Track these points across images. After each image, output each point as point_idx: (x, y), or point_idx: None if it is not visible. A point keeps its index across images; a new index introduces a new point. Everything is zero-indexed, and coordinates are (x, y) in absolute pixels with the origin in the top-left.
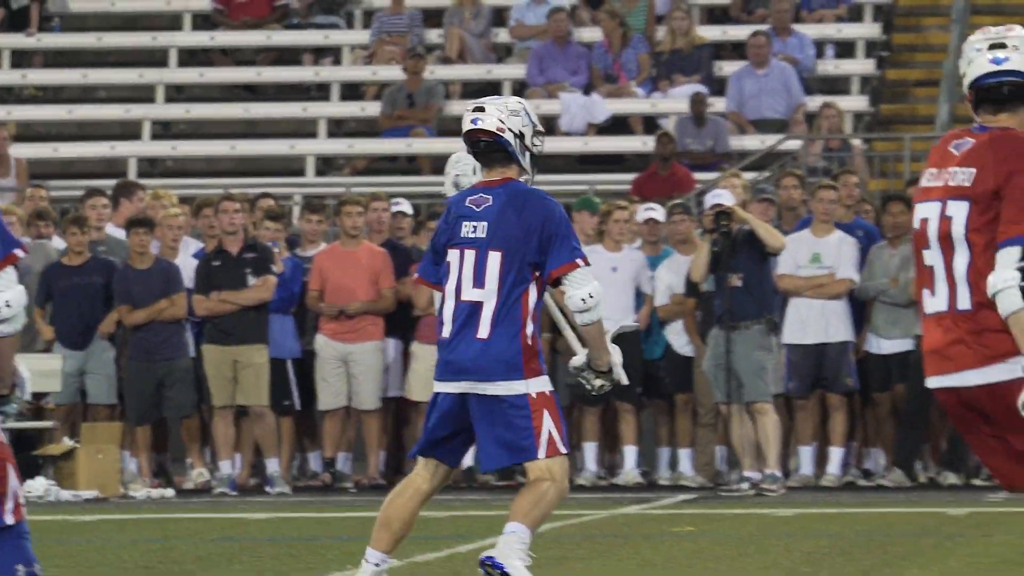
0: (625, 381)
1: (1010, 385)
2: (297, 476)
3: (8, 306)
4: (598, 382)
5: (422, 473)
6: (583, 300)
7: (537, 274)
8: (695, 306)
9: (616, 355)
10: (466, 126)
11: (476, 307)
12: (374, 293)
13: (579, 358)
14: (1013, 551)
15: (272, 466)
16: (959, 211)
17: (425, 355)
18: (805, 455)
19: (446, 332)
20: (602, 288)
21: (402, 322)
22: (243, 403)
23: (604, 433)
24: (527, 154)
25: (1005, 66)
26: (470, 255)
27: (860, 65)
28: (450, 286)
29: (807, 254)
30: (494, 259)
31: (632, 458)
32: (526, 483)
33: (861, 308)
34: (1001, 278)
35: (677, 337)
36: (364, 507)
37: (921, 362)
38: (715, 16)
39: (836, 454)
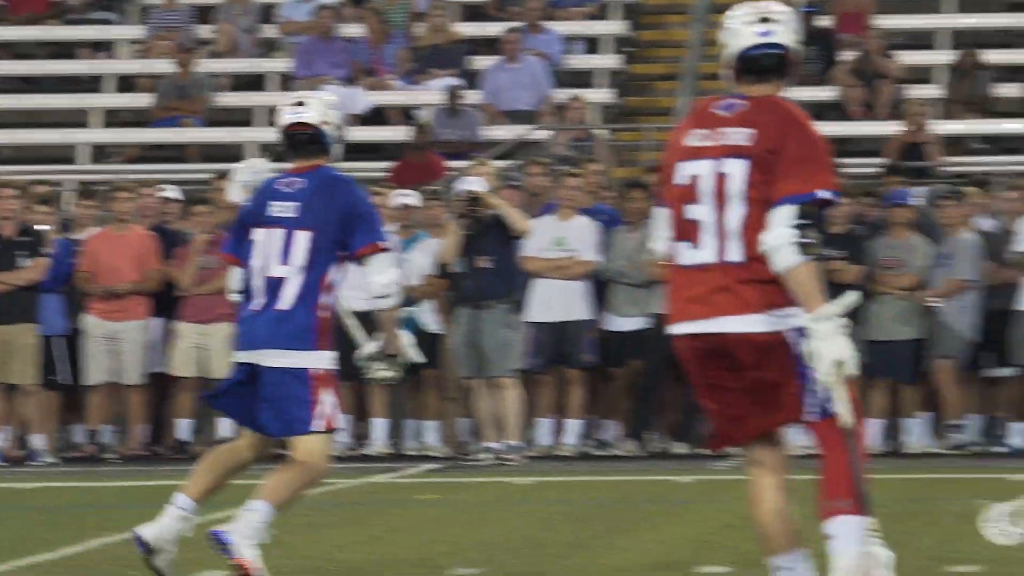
0: (421, 359)
1: (773, 336)
2: (62, 448)
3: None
4: (388, 370)
5: (245, 440)
6: (384, 286)
7: (340, 255)
8: (445, 286)
9: (406, 337)
10: (288, 119)
11: (280, 283)
12: (141, 274)
13: (370, 347)
14: (735, 516)
15: (38, 440)
16: (737, 168)
17: (188, 333)
18: (543, 427)
19: (251, 306)
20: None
21: (167, 302)
22: (12, 381)
23: (355, 406)
24: (338, 144)
25: (770, 39)
26: (278, 233)
27: (607, 60)
28: (256, 262)
29: (551, 237)
30: (302, 238)
31: (381, 430)
32: (288, 459)
33: (601, 288)
34: (777, 235)
35: (425, 315)
36: (127, 477)
37: (655, 340)
38: (471, 13)
39: (573, 426)
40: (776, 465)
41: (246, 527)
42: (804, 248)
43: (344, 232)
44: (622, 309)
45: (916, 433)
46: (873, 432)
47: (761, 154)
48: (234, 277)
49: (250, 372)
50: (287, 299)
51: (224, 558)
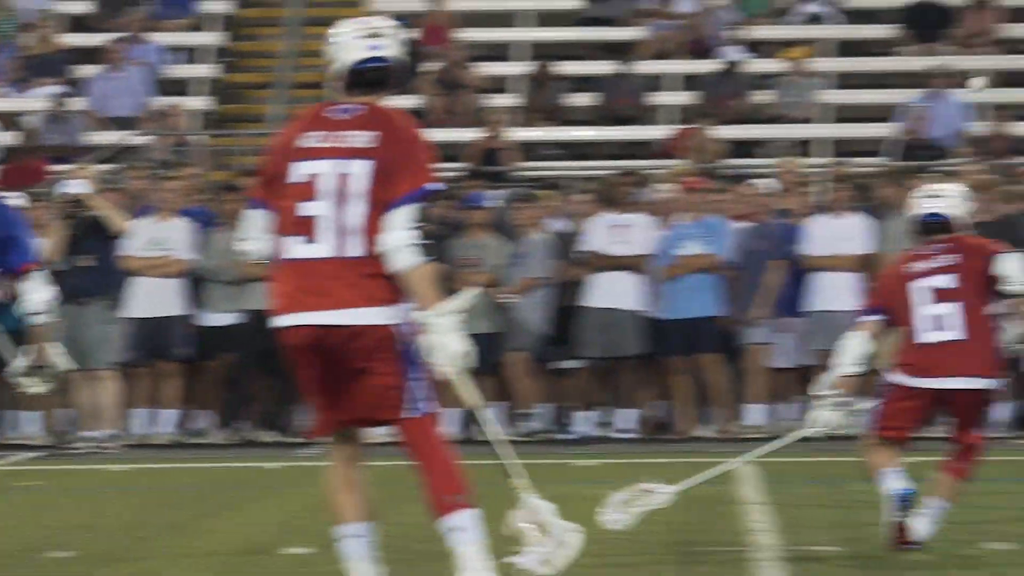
0: (71, 366)
1: (386, 329)
2: None
3: None
4: (40, 384)
5: None
6: (40, 303)
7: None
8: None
9: (56, 348)
10: None
11: None
12: None
13: (19, 361)
14: (318, 499)
15: None
16: (360, 168)
17: None
18: (140, 416)
19: None
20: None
21: None
22: None
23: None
24: None
25: (378, 52)
26: None
27: (205, 69)
28: None
29: (149, 237)
30: None
31: None
32: None
33: (197, 285)
34: (396, 237)
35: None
36: None
37: (247, 334)
38: (77, 25)
39: (168, 415)
40: (355, 451)
41: None
42: (421, 249)
43: (2, 252)
44: (216, 305)
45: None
46: (451, 421)
47: (381, 156)
48: None
49: None
50: None
51: None
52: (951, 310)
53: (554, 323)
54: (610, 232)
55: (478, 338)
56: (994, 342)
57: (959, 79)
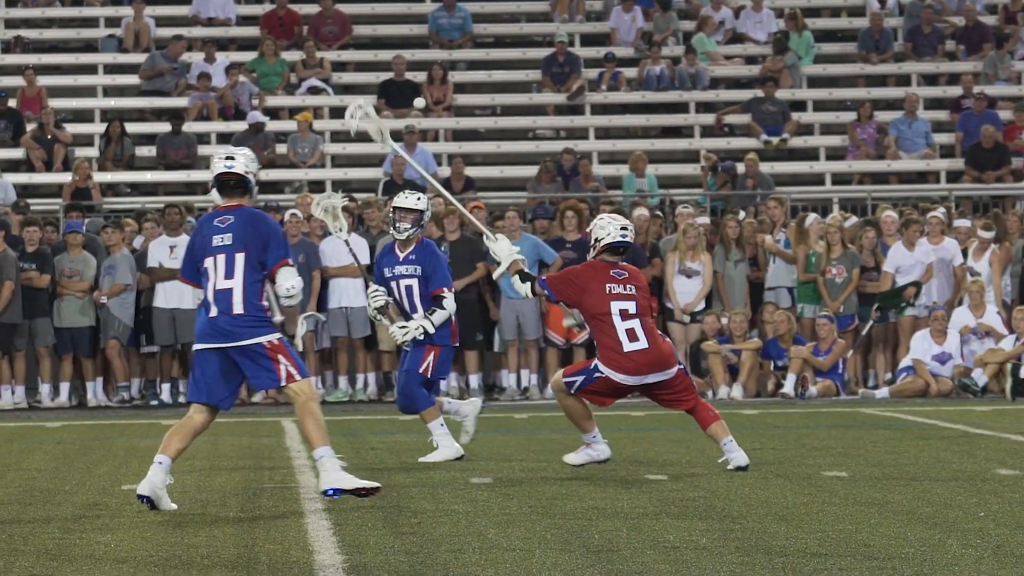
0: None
1: None
2: None
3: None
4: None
5: (201, 414)
6: (290, 288)
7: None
8: None
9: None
10: (218, 169)
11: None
12: None
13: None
14: None
15: None
16: None
17: None
18: None
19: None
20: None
21: None
22: None
23: None
24: (254, 189)
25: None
26: (221, 258)
27: None
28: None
29: None
30: (240, 258)
31: None
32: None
33: None
34: None
35: None
36: None
37: None
38: None
39: None
40: None
41: (331, 469)
42: None
43: (264, 251)
44: None
45: None
46: None
47: None
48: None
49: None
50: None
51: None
52: None
53: (137, 318)
54: (169, 251)
55: (82, 331)
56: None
57: (424, 136)
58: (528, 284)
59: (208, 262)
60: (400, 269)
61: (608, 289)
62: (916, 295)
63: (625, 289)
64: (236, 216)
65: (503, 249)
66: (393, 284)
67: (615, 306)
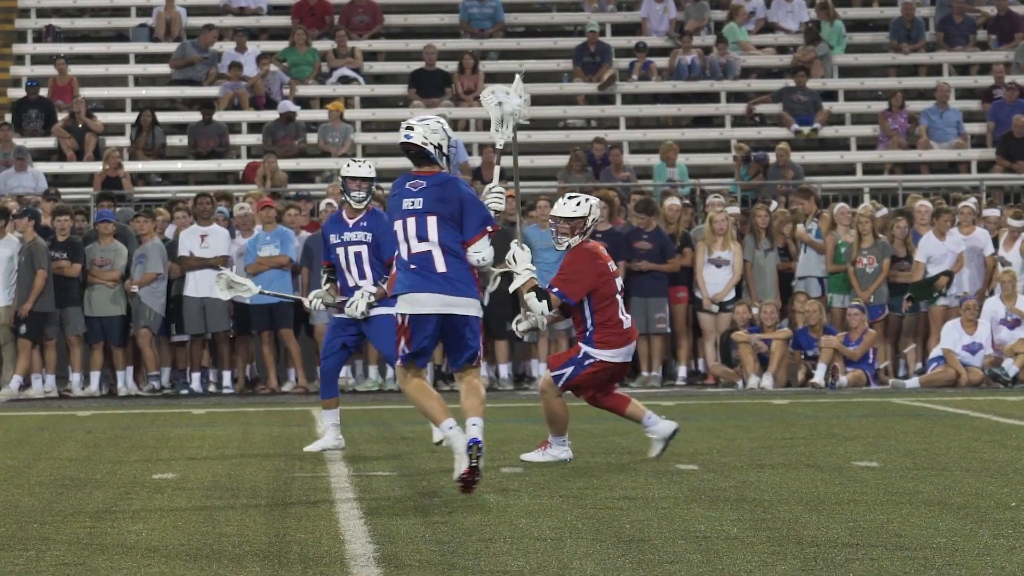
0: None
1: None
2: None
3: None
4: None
5: (414, 375)
6: (481, 259)
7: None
8: None
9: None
10: (400, 138)
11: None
12: None
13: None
14: None
15: None
16: None
17: None
18: None
19: None
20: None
21: None
22: None
23: None
24: (444, 158)
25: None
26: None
27: None
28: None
29: None
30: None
31: None
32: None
33: None
34: None
35: None
36: None
37: None
38: None
39: None
40: None
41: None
42: None
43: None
44: None
45: None
46: None
47: None
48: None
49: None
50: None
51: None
52: None
53: (167, 307)
54: (200, 239)
55: (113, 320)
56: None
57: (455, 125)
58: (544, 302)
59: (398, 225)
60: (350, 235)
61: (611, 268)
62: (948, 284)
63: (614, 267)
64: (427, 181)
65: (522, 262)
66: (340, 251)
67: (618, 283)
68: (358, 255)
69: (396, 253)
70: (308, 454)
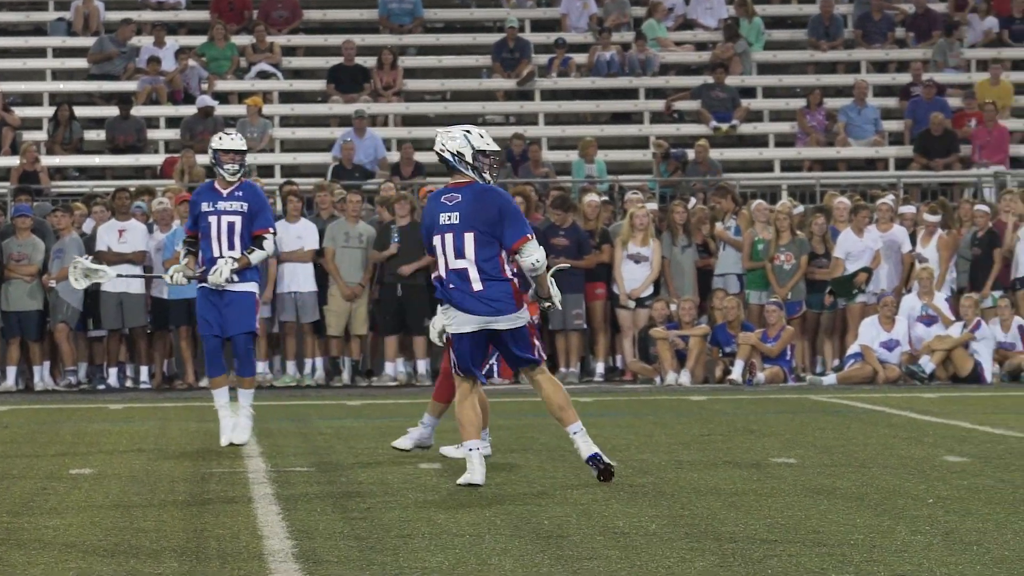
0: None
1: None
2: None
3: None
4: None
5: (468, 384)
6: (534, 262)
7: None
8: None
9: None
10: None
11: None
12: None
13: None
14: None
15: None
16: None
17: None
18: None
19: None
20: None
21: None
22: None
23: None
24: (470, 167)
25: None
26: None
27: None
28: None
29: None
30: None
31: None
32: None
33: None
34: None
35: None
36: None
37: None
38: None
39: None
40: None
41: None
42: None
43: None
44: None
45: None
46: None
47: None
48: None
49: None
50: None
51: None
52: None
53: (85, 302)
54: (118, 234)
55: (30, 315)
56: None
57: (374, 121)
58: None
59: (436, 239)
60: (224, 204)
61: None
62: (867, 281)
63: None
64: (462, 194)
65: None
66: (213, 219)
67: None
68: (231, 225)
69: (435, 272)
70: (225, 449)
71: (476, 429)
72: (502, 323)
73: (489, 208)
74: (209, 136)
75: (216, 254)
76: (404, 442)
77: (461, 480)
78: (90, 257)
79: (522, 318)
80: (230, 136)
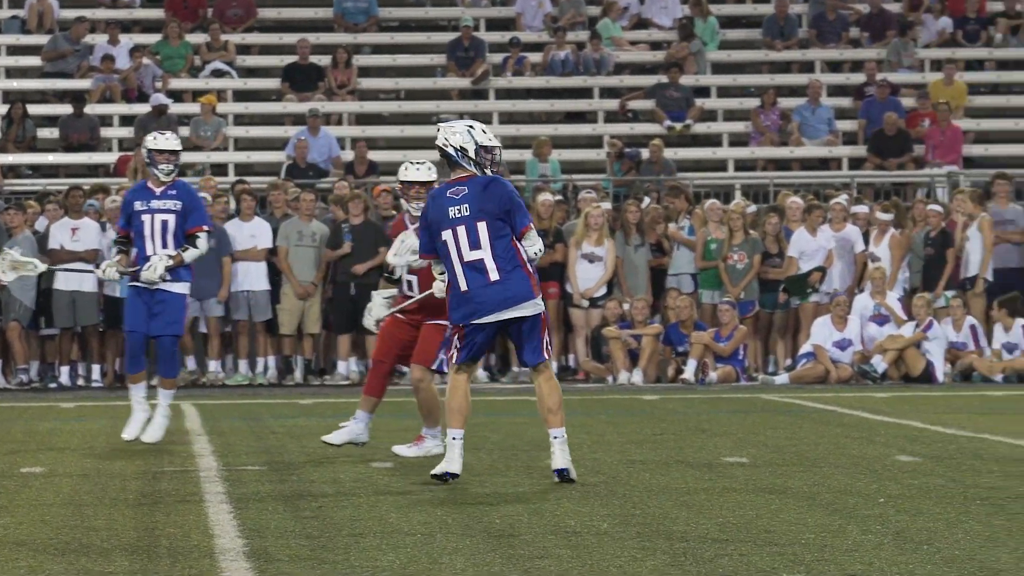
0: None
1: None
2: None
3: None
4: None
5: (465, 372)
6: (536, 252)
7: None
8: None
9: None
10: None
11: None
12: None
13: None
14: None
15: None
16: None
17: None
18: None
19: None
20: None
21: None
22: None
23: None
24: (472, 163)
25: None
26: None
27: None
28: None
29: None
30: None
31: None
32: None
33: None
34: None
35: None
36: None
37: None
38: None
39: None
40: None
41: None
42: None
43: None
44: None
45: None
46: None
47: None
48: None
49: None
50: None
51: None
52: None
53: (37, 300)
54: (71, 233)
55: None
56: None
57: (328, 119)
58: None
59: (447, 235)
60: (158, 203)
61: None
62: (822, 280)
63: None
64: (468, 186)
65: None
66: (147, 218)
67: None
68: (164, 223)
69: (443, 269)
70: (175, 448)
71: (463, 418)
72: (520, 311)
73: (498, 196)
74: None
75: (150, 252)
76: (336, 437)
77: (436, 470)
78: (20, 249)
79: (539, 306)
80: (164, 136)
